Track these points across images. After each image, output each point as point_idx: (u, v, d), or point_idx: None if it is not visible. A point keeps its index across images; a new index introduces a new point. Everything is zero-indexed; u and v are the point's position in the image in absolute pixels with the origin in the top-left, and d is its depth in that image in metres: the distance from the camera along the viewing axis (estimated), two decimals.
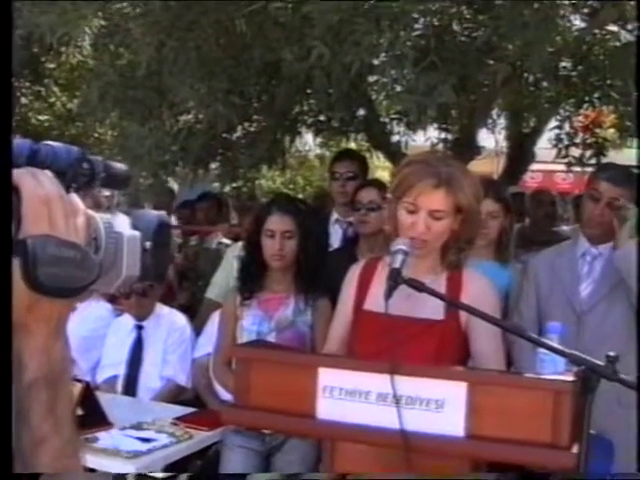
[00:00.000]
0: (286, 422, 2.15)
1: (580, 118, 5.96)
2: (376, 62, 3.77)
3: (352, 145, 6.22)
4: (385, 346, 2.02)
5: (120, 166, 1.00)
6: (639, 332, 2.73)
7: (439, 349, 2.34)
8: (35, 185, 0.81)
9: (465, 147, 5.39)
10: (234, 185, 6.08)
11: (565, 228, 6.68)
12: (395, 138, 5.62)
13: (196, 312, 4.79)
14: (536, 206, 6.09)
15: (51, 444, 0.83)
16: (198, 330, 4.38)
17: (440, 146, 5.50)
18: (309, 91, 4.80)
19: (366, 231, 3.75)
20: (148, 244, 0.96)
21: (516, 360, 3.08)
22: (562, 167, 10.71)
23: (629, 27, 4.22)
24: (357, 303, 2.53)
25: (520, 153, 6.07)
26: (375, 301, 2.39)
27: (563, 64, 4.65)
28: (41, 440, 0.82)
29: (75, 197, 0.87)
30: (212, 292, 4.74)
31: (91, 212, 0.91)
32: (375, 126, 5.54)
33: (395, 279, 2.10)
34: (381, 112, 5.65)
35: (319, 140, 6.82)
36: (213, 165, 5.56)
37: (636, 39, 3.16)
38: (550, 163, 9.48)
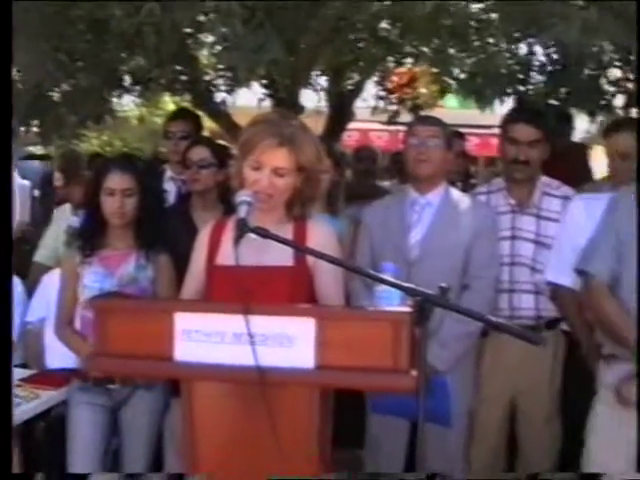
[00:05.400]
0: (144, 366, 2.23)
1: (396, 78, 6.25)
2: (204, 19, 3.81)
3: (171, 105, 6.18)
4: (238, 295, 2.12)
5: None
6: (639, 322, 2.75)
7: (291, 293, 2.46)
8: None
9: (288, 106, 5.50)
10: (59, 144, 5.88)
11: (385, 183, 7.01)
12: (220, 97, 5.66)
13: (25, 276, 4.67)
14: (358, 162, 6.39)
15: None
16: (29, 294, 4.30)
17: (267, 102, 5.60)
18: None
19: (197, 188, 3.82)
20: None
21: (353, 304, 3.26)
22: (376, 126, 11.22)
23: None
24: (209, 260, 2.62)
25: (340, 112, 6.28)
26: (226, 256, 2.49)
27: (382, 25, 4.84)
28: None
29: None
30: (40, 255, 4.67)
31: None
32: (198, 84, 5.55)
33: (241, 228, 2.23)
34: (204, 70, 5.66)
35: (138, 100, 6.70)
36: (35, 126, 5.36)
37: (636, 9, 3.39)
38: (365, 122, 9.90)
